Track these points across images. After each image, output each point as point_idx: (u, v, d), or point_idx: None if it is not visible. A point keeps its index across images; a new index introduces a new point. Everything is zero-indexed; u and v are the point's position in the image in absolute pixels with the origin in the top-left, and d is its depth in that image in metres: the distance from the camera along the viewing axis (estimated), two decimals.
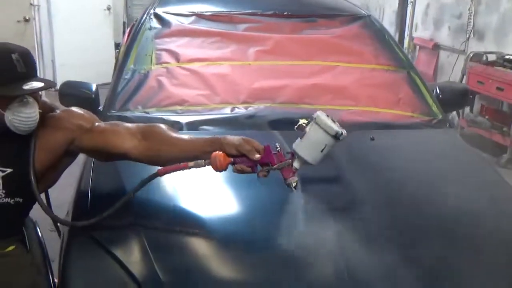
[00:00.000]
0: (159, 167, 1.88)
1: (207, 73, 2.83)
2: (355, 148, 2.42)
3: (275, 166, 1.78)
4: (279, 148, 1.81)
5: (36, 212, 2.17)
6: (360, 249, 1.79)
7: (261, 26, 3.19)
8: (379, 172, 2.26)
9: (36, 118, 1.84)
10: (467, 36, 6.59)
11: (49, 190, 2.14)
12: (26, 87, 1.78)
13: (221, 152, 1.78)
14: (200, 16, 3.23)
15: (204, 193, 2.10)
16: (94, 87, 2.84)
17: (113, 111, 2.63)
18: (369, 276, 1.69)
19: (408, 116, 2.81)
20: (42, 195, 2.04)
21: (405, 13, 8.17)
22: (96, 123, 2.00)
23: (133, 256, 1.77)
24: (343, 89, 2.85)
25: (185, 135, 2.02)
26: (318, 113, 1.79)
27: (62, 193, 2.19)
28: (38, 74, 1.90)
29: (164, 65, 2.88)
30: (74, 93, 2.80)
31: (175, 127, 2.48)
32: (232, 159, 1.79)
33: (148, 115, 2.59)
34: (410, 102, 2.88)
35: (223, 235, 1.87)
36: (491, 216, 2.03)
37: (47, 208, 1.93)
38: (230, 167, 1.82)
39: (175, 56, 2.93)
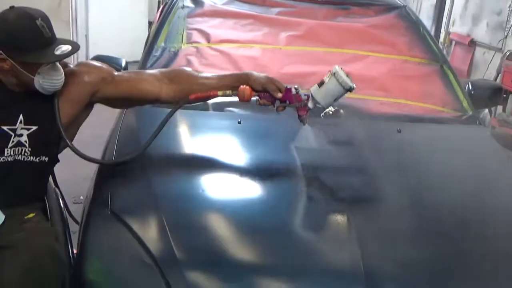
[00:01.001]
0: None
1: (236, 55, 2.82)
2: (381, 139, 2.40)
3: (293, 104, 2.08)
4: (298, 90, 2.07)
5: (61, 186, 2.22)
6: (377, 240, 1.77)
7: (294, 11, 3.16)
8: (402, 164, 2.23)
9: (63, 79, 1.91)
10: (505, 34, 6.44)
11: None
12: (58, 52, 1.84)
13: (248, 87, 2.03)
14: None
15: (225, 176, 2.10)
16: (123, 62, 2.86)
17: None
18: (385, 268, 1.67)
19: (438, 111, 2.76)
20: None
21: (443, 7, 8.02)
22: (116, 73, 2.09)
23: (151, 232, 1.79)
24: (374, 79, 2.80)
25: (210, 74, 2.20)
26: (337, 68, 2.02)
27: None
28: None
29: (195, 44, 2.88)
30: None
31: (201, 107, 2.50)
32: (256, 94, 2.05)
33: None
34: (441, 97, 2.83)
35: (242, 218, 1.87)
36: None
37: (77, 149, 1.99)
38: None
39: (206, 36, 2.92)
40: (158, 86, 2.08)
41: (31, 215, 1.96)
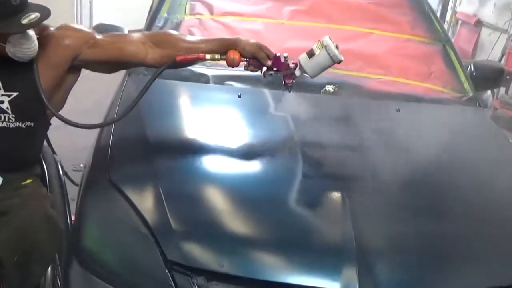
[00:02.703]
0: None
1: (239, 28, 2.80)
2: (380, 118, 2.40)
3: (281, 72, 2.05)
4: (287, 59, 2.05)
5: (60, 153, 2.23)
6: (371, 217, 1.79)
7: None
8: (400, 143, 2.24)
9: (37, 46, 1.83)
10: None
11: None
12: (24, 21, 1.75)
13: (237, 53, 2.00)
14: None
15: (223, 149, 2.11)
16: (126, 32, 2.85)
17: None
18: (377, 245, 1.69)
19: (438, 91, 2.75)
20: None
21: None
22: (98, 36, 2.02)
23: (147, 202, 1.81)
24: (375, 57, 2.80)
25: (197, 38, 2.16)
26: (328, 41, 1.99)
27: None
28: None
29: (197, 16, 2.88)
30: None
31: (201, 80, 2.51)
32: (245, 59, 2.02)
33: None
34: (442, 77, 2.82)
35: (237, 191, 1.89)
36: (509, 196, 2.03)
37: (60, 115, 1.95)
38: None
39: (209, 8, 2.92)
40: (143, 49, 2.02)
41: (28, 181, 1.96)
